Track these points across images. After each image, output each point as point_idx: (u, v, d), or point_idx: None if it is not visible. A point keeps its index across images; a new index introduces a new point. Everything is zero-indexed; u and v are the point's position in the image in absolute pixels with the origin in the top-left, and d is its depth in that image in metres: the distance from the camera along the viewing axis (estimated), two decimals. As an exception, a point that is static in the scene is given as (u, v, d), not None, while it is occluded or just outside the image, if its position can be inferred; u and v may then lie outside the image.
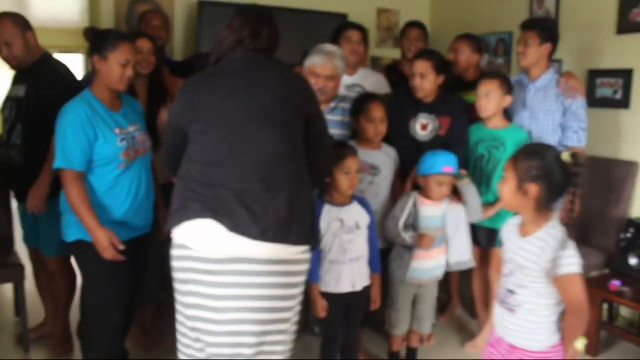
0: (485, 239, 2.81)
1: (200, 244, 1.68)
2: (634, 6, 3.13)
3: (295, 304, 1.80)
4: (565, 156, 1.67)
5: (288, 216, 1.68)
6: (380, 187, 2.57)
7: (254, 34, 1.80)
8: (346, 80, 3.09)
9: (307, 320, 2.91)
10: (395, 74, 3.53)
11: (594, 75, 3.34)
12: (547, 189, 1.65)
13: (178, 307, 1.79)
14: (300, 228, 1.72)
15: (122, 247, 2.08)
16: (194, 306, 1.71)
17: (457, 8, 4.46)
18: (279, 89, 1.75)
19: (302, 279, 1.80)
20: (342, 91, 2.77)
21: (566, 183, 1.66)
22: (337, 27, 3.25)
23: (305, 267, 1.80)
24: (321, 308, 2.31)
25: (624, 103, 3.20)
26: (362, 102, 2.61)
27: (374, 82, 3.17)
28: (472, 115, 2.79)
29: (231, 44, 1.82)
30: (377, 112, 2.56)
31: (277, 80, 1.77)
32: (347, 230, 2.29)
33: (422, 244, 2.41)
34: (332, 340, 2.41)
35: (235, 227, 1.63)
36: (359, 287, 2.34)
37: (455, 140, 2.74)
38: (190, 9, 3.90)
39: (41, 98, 2.49)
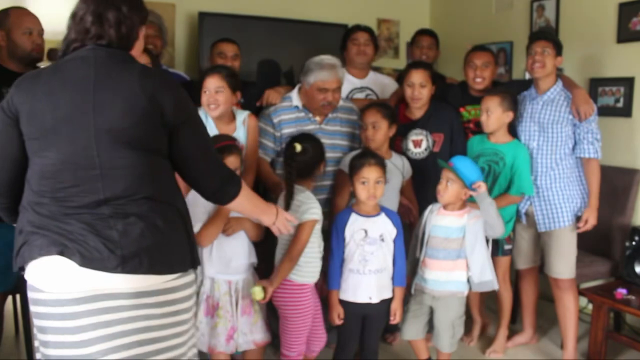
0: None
1: (50, 285, 1.42)
2: (633, 15, 3.15)
3: (183, 330, 1.55)
4: (298, 147, 2.27)
5: (150, 244, 1.44)
6: (386, 195, 2.57)
7: (98, 20, 1.47)
8: (356, 82, 3.13)
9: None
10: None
11: (595, 83, 3.35)
12: (294, 170, 2.29)
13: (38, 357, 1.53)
14: (167, 255, 1.48)
15: None
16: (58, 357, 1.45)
17: (457, 18, 4.48)
18: (135, 98, 1.42)
19: (185, 304, 1.55)
20: (345, 94, 2.83)
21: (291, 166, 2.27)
22: (345, 31, 3.28)
23: (187, 291, 1.56)
24: (337, 315, 2.32)
25: (626, 111, 3.21)
26: (361, 111, 2.66)
27: (383, 85, 3.22)
28: (477, 129, 2.82)
29: (75, 37, 1.49)
30: (368, 117, 2.58)
31: (133, 87, 1.43)
32: (370, 242, 2.29)
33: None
34: (345, 348, 2.40)
35: (88, 260, 1.39)
36: (375, 299, 2.33)
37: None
38: (191, 21, 3.90)
39: None
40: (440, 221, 2.42)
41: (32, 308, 1.49)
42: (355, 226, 2.30)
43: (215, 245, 2.25)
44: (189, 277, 1.58)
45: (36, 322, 1.48)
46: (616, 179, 3.19)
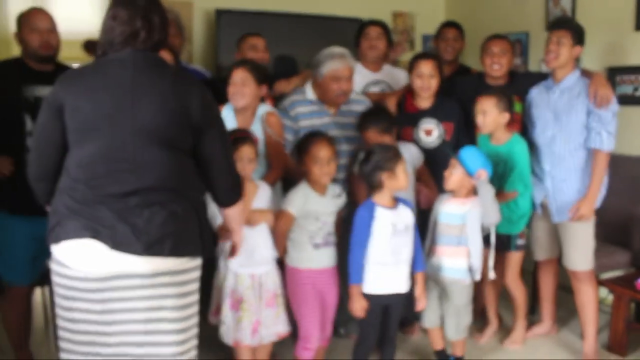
0: (500, 243, 2.81)
1: (80, 264, 1.60)
2: (652, 2, 3.12)
3: (191, 313, 1.72)
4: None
5: (171, 230, 1.60)
6: None
7: (147, 25, 1.61)
8: (370, 76, 3.15)
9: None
10: None
11: (614, 72, 3.32)
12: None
13: (61, 322, 1.68)
14: (185, 240, 1.65)
15: None
16: (82, 321, 1.63)
17: (472, 9, 4.47)
18: (167, 100, 1.59)
19: (193, 286, 1.72)
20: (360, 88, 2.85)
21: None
22: (358, 28, 3.30)
23: (195, 274, 1.72)
24: (360, 308, 2.31)
25: (645, 99, 3.18)
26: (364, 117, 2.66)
27: (397, 78, 3.22)
28: None
29: (122, 39, 1.60)
30: (370, 138, 2.58)
31: (166, 91, 1.59)
32: (398, 234, 2.32)
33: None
34: (368, 340, 2.42)
35: (118, 244, 1.56)
36: (404, 288, 2.37)
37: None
38: (208, 18, 3.95)
39: None
40: (446, 208, 2.50)
41: (57, 279, 1.66)
42: (383, 220, 2.30)
43: None
44: (198, 260, 1.73)
45: (60, 290, 1.65)
46: (635, 168, 3.17)
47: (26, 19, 2.47)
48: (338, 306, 2.58)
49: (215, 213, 2.25)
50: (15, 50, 2.65)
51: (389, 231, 2.30)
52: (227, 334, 2.33)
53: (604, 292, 3.37)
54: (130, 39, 1.61)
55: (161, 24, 1.66)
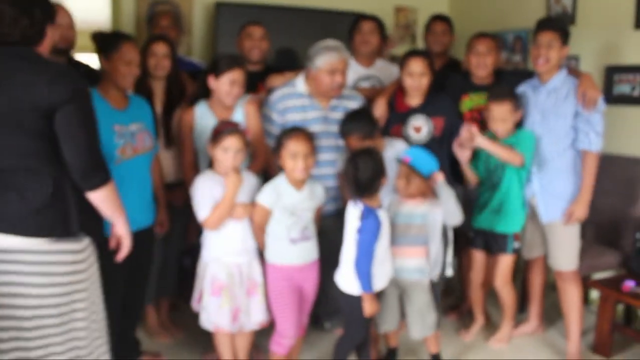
0: (495, 243, 2.82)
1: None
2: (652, 0, 3.06)
3: (60, 292, 1.75)
4: None
5: (26, 211, 1.69)
6: (385, 190, 2.56)
7: (13, 23, 1.71)
8: (361, 71, 3.14)
9: (317, 315, 2.90)
10: None
11: (612, 71, 3.27)
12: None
13: None
14: (41, 222, 1.71)
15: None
16: None
17: (474, 4, 4.43)
18: (15, 89, 1.67)
19: (62, 268, 1.75)
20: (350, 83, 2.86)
21: None
22: (352, 22, 3.30)
23: (62, 257, 1.76)
24: (376, 310, 2.32)
25: (642, 100, 3.13)
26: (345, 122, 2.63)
27: (390, 73, 3.21)
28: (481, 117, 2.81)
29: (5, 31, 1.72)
30: (353, 141, 2.55)
31: (16, 80, 1.67)
32: (387, 231, 2.35)
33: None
34: (358, 335, 2.42)
35: None
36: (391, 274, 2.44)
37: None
38: (208, 10, 3.98)
39: None
40: (403, 209, 2.46)
41: None
42: (385, 223, 2.31)
43: (221, 228, 2.33)
44: (65, 244, 1.77)
45: None
46: (630, 169, 3.13)
47: None
48: (323, 300, 2.59)
49: (199, 204, 2.30)
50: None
51: (386, 229, 2.31)
52: (208, 320, 2.37)
53: (595, 293, 3.35)
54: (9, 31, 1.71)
55: (31, 25, 1.73)
